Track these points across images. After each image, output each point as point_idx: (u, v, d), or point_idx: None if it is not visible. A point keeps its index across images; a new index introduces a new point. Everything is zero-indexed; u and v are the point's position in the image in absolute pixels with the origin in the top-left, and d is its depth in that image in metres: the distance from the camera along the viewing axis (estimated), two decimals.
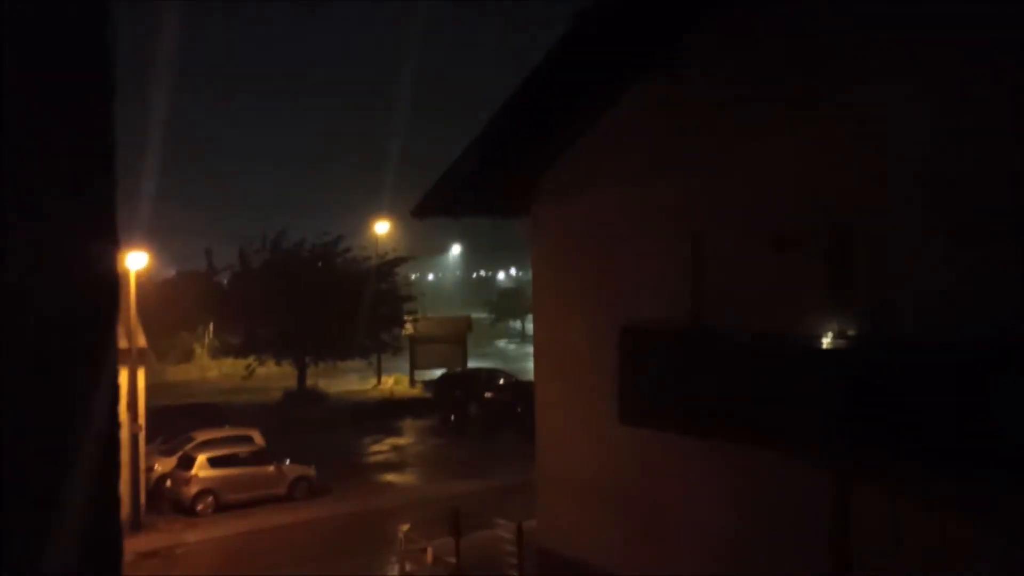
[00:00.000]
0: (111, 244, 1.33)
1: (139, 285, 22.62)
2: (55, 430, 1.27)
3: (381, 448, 31.75)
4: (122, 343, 20.90)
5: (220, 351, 54.31)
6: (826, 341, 8.28)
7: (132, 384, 21.10)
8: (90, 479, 1.27)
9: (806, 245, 8.51)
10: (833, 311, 8.29)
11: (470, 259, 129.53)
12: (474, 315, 62.55)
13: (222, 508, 22.46)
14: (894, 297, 7.99)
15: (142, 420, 21.65)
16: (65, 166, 1.26)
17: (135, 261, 22.07)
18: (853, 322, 8.18)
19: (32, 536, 1.24)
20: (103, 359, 1.32)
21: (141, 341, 22.06)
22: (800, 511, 8.87)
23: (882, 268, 8.19)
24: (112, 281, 1.32)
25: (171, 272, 70.78)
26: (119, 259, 1.37)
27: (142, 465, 21.59)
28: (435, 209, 13.50)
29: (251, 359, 42.08)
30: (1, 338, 1.20)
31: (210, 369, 53.78)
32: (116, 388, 1.34)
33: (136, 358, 21.41)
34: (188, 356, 56.31)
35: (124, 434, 20.50)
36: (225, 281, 44.24)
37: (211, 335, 57.36)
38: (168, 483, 23.25)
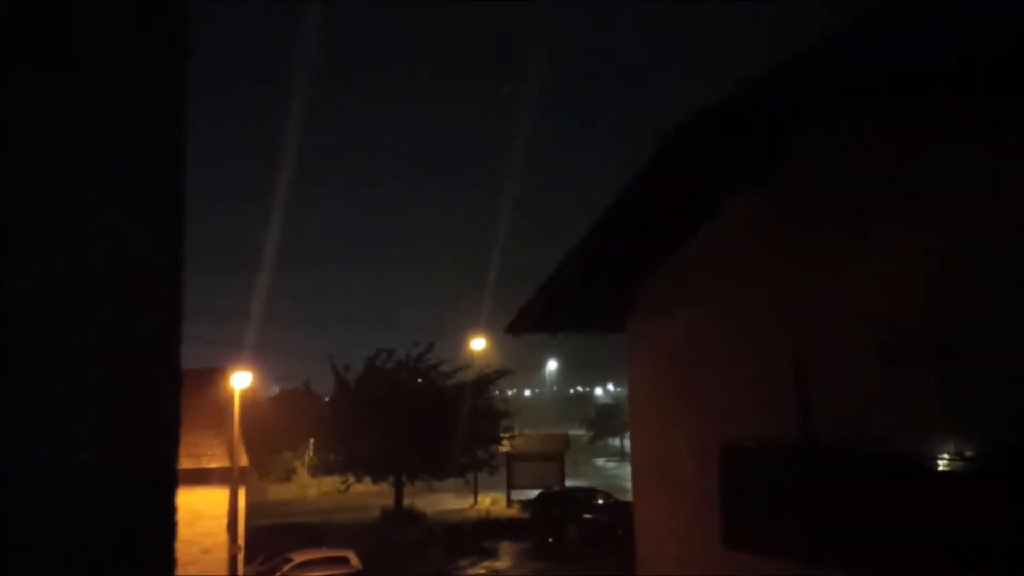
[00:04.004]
0: (175, 254, 1.28)
1: (244, 404, 23.17)
2: (112, 460, 1.22)
3: (478, 572, 31.05)
4: (225, 462, 21.30)
5: (320, 469, 54.89)
6: (946, 461, 7.74)
7: (233, 503, 21.35)
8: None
9: (916, 359, 8.07)
10: (949, 429, 7.77)
11: (567, 374, 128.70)
12: (571, 432, 61.63)
13: None
14: (1013, 414, 7.45)
15: (241, 540, 21.79)
16: (129, 162, 1.22)
17: (240, 380, 22.66)
18: (971, 441, 7.64)
19: None
20: (165, 377, 1.26)
21: (243, 460, 22.43)
22: None
23: (1000, 385, 7.68)
24: (176, 293, 1.27)
25: (275, 390, 72.57)
26: (184, 269, 1.30)
27: None
28: (529, 326, 13.49)
29: (348, 476, 42.20)
30: (53, 351, 1.16)
31: (310, 487, 54.21)
32: (176, 416, 1.28)
33: (238, 477, 21.73)
34: (289, 474, 56.94)
35: (224, 555, 20.66)
36: (326, 399, 44.98)
37: (311, 453, 58.09)
38: None
